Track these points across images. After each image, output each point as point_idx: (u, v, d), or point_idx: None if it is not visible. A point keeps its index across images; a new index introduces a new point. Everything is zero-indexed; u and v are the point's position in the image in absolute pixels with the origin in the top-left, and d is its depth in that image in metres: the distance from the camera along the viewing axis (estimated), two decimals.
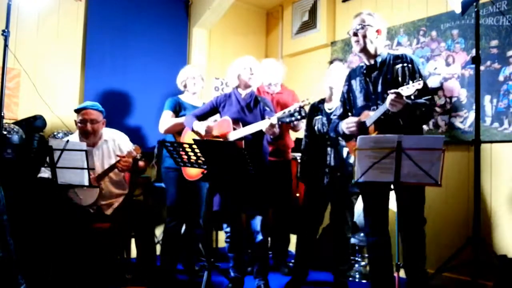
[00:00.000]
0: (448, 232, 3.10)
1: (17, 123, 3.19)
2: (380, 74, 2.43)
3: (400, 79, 2.35)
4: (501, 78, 2.97)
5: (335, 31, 4.26)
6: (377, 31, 2.45)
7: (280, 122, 2.55)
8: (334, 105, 2.96)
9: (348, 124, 2.46)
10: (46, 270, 2.61)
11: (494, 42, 3.00)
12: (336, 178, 2.88)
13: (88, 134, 2.86)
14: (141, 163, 2.96)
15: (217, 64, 4.54)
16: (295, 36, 4.61)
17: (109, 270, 2.98)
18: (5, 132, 2.92)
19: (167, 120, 3.25)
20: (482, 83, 2.68)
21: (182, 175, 3.08)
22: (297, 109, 2.46)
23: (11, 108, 3.33)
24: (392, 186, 2.09)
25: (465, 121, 3.14)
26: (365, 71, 2.50)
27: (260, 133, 2.66)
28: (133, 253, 3.03)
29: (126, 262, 3.01)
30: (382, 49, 2.50)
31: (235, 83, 2.91)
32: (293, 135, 3.65)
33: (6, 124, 2.99)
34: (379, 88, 2.41)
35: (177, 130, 3.27)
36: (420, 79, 2.17)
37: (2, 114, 2.68)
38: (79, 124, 2.88)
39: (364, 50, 2.45)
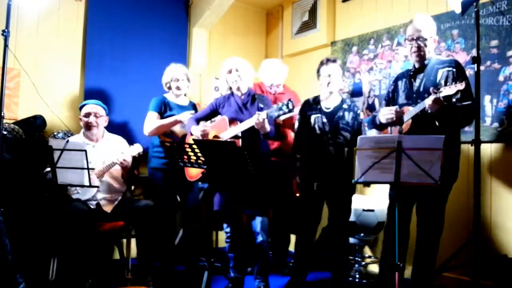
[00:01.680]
0: (448, 232, 3.09)
1: (17, 123, 3.19)
2: (425, 76, 2.52)
3: (443, 81, 2.43)
4: (501, 78, 2.96)
5: (335, 31, 4.25)
6: (434, 40, 2.56)
7: (268, 117, 2.55)
8: (331, 104, 2.97)
9: (385, 111, 2.56)
10: (46, 269, 2.61)
11: (494, 42, 3.00)
12: (335, 179, 2.88)
13: (92, 126, 2.96)
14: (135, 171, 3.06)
15: (217, 64, 4.50)
16: (295, 36, 4.61)
17: (109, 270, 2.98)
18: (5, 132, 2.92)
19: (151, 122, 3.21)
20: (482, 83, 2.68)
21: (168, 175, 3.09)
22: (285, 102, 2.47)
23: (11, 108, 3.33)
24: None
25: None
26: (411, 73, 2.60)
27: (257, 132, 2.66)
28: (133, 253, 3.03)
29: (126, 262, 3.01)
30: (432, 54, 2.60)
31: (226, 88, 2.93)
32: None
33: (6, 124, 3.00)
34: (421, 88, 2.51)
35: (161, 132, 3.23)
36: (463, 81, 2.21)
37: (2, 114, 2.67)
38: (83, 118, 2.98)
39: (418, 55, 2.55)
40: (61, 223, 2.63)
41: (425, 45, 2.52)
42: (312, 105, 3.02)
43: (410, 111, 2.46)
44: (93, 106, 3.00)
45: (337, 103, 2.99)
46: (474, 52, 2.69)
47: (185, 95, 3.44)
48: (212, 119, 3.03)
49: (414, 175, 1.99)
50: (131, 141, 3.56)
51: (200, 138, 2.79)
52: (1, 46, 2.77)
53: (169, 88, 3.36)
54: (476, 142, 2.60)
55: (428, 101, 2.27)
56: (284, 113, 2.50)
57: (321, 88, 3.03)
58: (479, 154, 2.61)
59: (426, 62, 2.54)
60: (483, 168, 2.83)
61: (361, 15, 3.99)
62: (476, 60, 2.61)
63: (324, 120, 2.93)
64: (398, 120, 2.51)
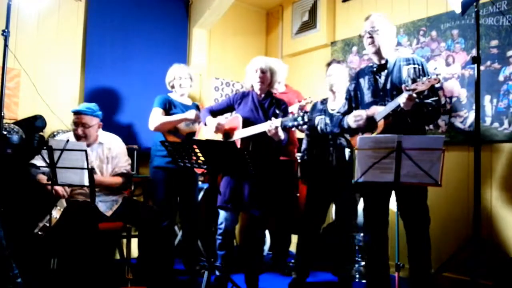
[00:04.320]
0: (448, 232, 3.10)
1: (17, 123, 3.19)
2: (390, 73, 2.49)
3: (409, 79, 2.40)
4: (501, 78, 2.97)
5: (335, 31, 4.26)
6: (389, 33, 2.53)
7: (283, 126, 2.54)
8: (337, 106, 2.96)
9: (356, 117, 2.50)
10: (47, 269, 2.61)
11: (494, 42, 3.00)
12: (337, 178, 2.88)
13: (79, 137, 2.85)
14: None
15: (217, 64, 4.54)
16: (295, 36, 4.61)
17: (109, 270, 2.98)
18: (5, 132, 2.92)
19: (157, 117, 3.19)
20: (482, 83, 2.68)
21: (171, 175, 3.09)
22: (301, 114, 2.45)
23: (11, 108, 3.33)
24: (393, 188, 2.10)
25: (465, 121, 3.14)
26: (375, 70, 2.56)
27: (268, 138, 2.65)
28: (133, 253, 3.04)
29: (126, 262, 3.01)
30: (391, 50, 2.56)
31: (249, 85, 2.91)
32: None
33: (6, 124, 2.99)
34: (388, 86, 2.47)
35: (167, 129, 3.21)
36: (436, 75, 2.19)
37: (2, 114, 2.67)
38: (72, 126, 2.88)
39: (376, 52, 2.52)
40: (62, 226, 2.62)
41: (378, 36, 2.49)
42: (318, 107, 3.03)
43: (382, 111, 2.41)
44: (82, 117, 2.82)
45: (341, 104, 2.97)
46: (474, 52, 2.69)
47: (182, 95, 3.44)
48: (226, 116, 3.02)
49: (414, 175, 1.99)
50: (131, 141, 3.57)
51: (214, 130, 2.80)
52: (1, 46, 2.77)
53: (172, 87, 3.37)
54: (476, 142, 2.60)
55: (402, 99, 2.24)
56: (299, 125, 2.48)
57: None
58: (479, 154, 2.61)
59: (387, 58, 2.52)
60: (483, 168, 2.83)
61: (361, 15, 3.97)
62: (476, 60, 2.61)
63: (327, 121, 2.93)
64: (367, 123, 2.48)
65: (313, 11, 4.40)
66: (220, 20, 4.35)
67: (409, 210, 2.41)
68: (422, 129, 2.49)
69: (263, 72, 2.81)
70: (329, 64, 3.03)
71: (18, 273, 2.34)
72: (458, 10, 2.73)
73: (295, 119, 2.47)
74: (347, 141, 2.87)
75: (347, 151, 2.88)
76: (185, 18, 4.37)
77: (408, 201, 2.40)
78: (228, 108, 2.96)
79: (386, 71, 2.51)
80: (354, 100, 2.66)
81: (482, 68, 2.94)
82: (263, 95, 2.86)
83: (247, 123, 2.75)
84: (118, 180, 2.91)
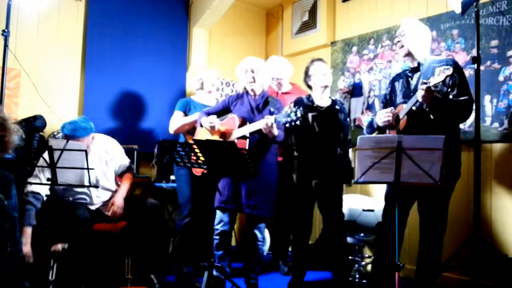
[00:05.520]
0: (448, 232, 3.09)
1: (17, 123, 3.19)
2: (422, 74, 2.51)
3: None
4: (501, 78, 2.97)
5: (335, 31, 4.26)
6: (419, 36, 2.54)
7: (276, 122, 2.56)
8: (325, 104, 2.99)
9: (381, 115, 2.53)
10: (47, 270, 2.61)
11: (494, 42, 3.00)
12: (332, 176, 2.89)
13: None
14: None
15: (217, 64, 4.53)
16: (295, 36, 4.61)
17: (109, 270, 2.98)
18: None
19: (176, 120, 3.31)
20: (482, 83, 2.69)
21: (193, 174, 3.11)
22: (294, 110, 2.47)
23: (11, 108, 3.33)
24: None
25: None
26: (408, 73, 2.59)
27: (265, 135, 2.66)
28: (134, 253, 3.03)
29: (126, 262, 3.01)
30: (426, 53, 2.57)
31: (242, 87, 2.93)
32: None
33: None
34: (418, 87, 2.47)
35: (185, 130, 3.30)
36: (449, 66, 2.20)
37: None
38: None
39: (407, 55, 2.55)
40: (63, 229, 2.62)
41: (405, 40, 2.52)
42: (305, 102, 3.01)
43: (404, 108, 2.44)
44: (73, 143, 2.45)
45: (329, 103, 3.02)
46: (474, 52, 2.69)
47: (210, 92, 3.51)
48: (223, 117, 3.03)
49: (414, 175, 1.99)
50: (131, 141, 3.57)
51: (209, 129, 2.84)
52: (1, 46, 2.77)
53: (202, 84, 3.46)
54: (476, 142, 2.60)
55: (420, 93, 2.25)
56: (292, 121, 2.50)
57: (313, 88, 3.04)
58: (479, 154, 2.61)
59: (421, 61, 2.53)
60: (483, 168, 2.83)
61: (361, 15, 3.99)
62: (476, 60, 2.62)
63: (322, 119, 2.93)
64: (395, 122, 2.51)
65: (313, 11, 4.40)
66: (220, 20, 4.34)
67: (428, 211, 2.45)
68: (452, 127, 2.44)
69: (252, 71, 2.84)
70: (310, 64, 3.05)
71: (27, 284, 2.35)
72: (458, 10, 2.73)
73: (288, 115, 2.50)
74: (340, 139, 2.93)
75: (337, 149, 2.93)
76: (185, 18, 4.37)
77: (430, 203, 2.43)
78: (224, 110, 2.98)
79: (418, 73, 2.53)
80: (389, 104, 2.71)
81: (482, 68, 2.94)
82: (257, 95, 2.88)
83: (243, 123, 2.78)
84: (130, 176, 3.00)
